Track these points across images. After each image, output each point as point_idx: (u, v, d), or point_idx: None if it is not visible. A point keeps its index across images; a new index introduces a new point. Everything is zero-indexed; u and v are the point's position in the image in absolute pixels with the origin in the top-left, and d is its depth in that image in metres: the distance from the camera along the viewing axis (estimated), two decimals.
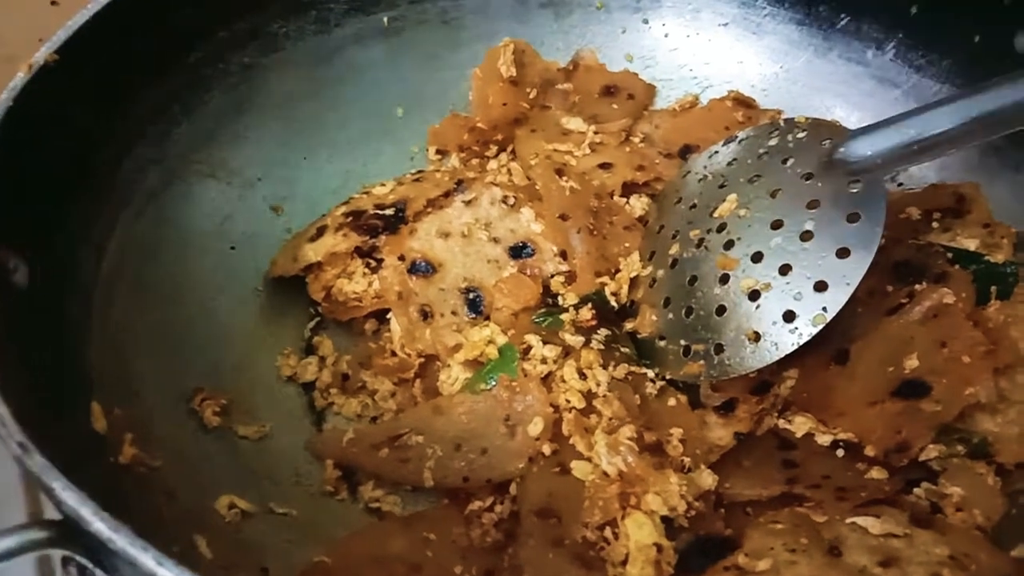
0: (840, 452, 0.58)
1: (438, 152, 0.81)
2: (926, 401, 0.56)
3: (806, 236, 0.58)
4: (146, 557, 0.34)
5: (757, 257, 0.60)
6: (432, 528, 0.56)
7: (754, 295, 0.59)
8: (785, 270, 0.58)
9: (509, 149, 0.78)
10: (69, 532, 0.37)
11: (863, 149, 0.58)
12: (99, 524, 0.35)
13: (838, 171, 0.59)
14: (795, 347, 0.58)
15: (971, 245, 0.65)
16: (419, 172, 0.77)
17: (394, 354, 0.67)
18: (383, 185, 0.74)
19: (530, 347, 0.61)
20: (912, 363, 0.58)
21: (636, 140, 0.77)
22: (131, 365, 0.58)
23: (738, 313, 0.59)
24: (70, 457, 0.41)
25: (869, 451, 0.56)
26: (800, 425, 0.60)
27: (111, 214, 0.62)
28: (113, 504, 0.39)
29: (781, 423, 0.61)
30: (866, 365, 0.60)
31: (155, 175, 0.66)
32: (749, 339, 0.59)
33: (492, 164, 0.77)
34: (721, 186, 0.64)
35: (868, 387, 0.59)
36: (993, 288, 0.60)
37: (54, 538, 0.37)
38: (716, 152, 0.67)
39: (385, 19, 0.80)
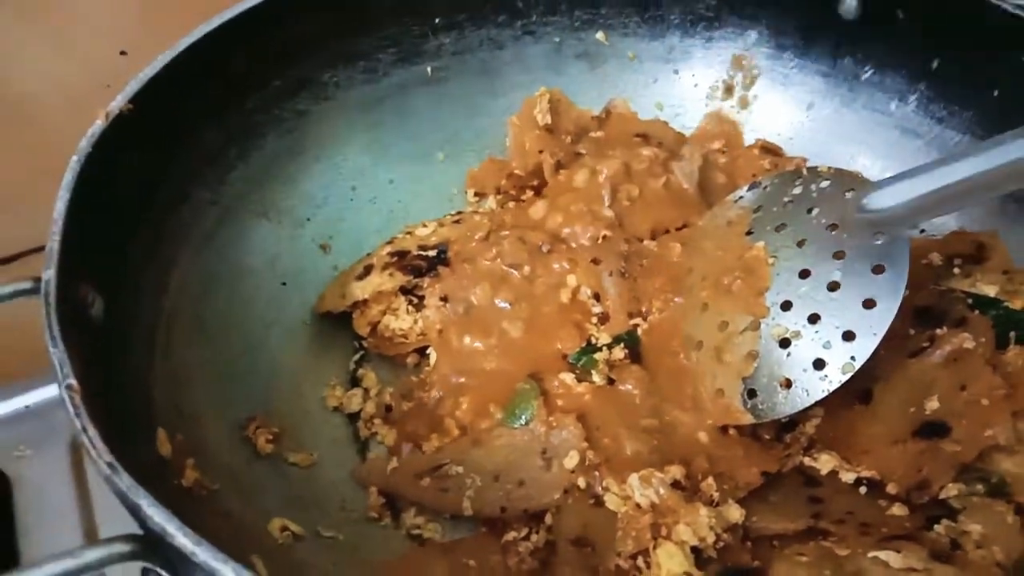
0: (863, 489, 0.60)
1: (476, 194, 0.85)
2: (947, 441, 0.58)
3: (833, 286, 0.61)
4: (226, 568, 0.37)
5: (786, 305, 0.62)
6: (471, 555, 0.59)
7: (784, 343, 0.62)
8: (814, 319, 0.61)
9: (544, 193, 0.82)
10: (151, 546, 0.40)
11: (886, 201, 0.60)
12: (183, 539, 0.39)
13: (862, 223, 0.61)
14: (825, 394, 0.60)
15: (991, 291, 0.67)
16: (459, 213, 0.81)
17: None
18: (425, 226, 0.78)
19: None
20: (933, 404, 0.60)
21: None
22: (190, 395, 0.61)
23: (770, 360, 0.62)
24: (144, 479, 0.45)
25: (891, 488, 0.59)
26: (825, 463, 0.62)
27: (172, 252, 0.66)
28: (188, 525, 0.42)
29: (807, 460, 0.63)
30: (888, 406, 0.62)
31: (212, 215, 0.70)
32: (781, 385, 0.61)
33: (533, 211, 0.80)
34: (748, 232, 0.67)
35: (890, 427, 0.61)
36: (1012, 333, 0.63)
37: (137, 551, 0.40)
38: (741, 197, 0.70)
39: (429, 69, 0.84)
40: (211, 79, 0.69)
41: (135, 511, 0.40)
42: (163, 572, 0.41)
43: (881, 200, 0.61)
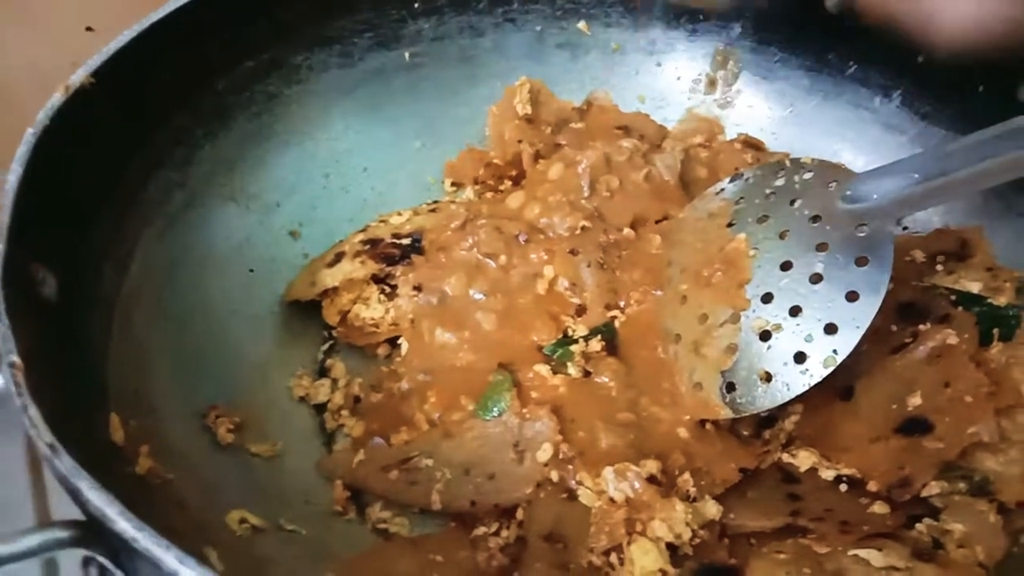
0: (843, 487, 0.59)
1: (453, 184, 0.83)
2: (929, 439, 0.57)
3: (816, 278, 0.60)
4: (168, 556, 0.35)
5: (767, 298, 0.61)
6: (439, 551, 0.57)
7: (765, 336, 0.60)
8: (795, 311, 0.60)
9: (522, 184, 0.80)
10: (92, 532, 0.38)
11: (870, 193, 0.59)
12: (124, 524, 0.36)
13: (846, 214, 0.60)
14: (806, 388, 0.58)
15: (974, 288, 0.66)
16: (435, 203, 0.79)
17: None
18: (400, 214, 0.76)
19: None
20: (916, 401, 0.59)
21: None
22: (149, 380, 0.59)
23: (750, 353, 0.60)
24: (91, 463, 0.42)
25: (872, 486, 0.57)
26: (804, 459, 0.60)
27: (134, 234, 0.63)
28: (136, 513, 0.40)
29: (785, 457, 0.61)
30: (871, 402, 0.61)
31: (178, 198, 0.68)
32: (761, 379, 0.60)
33: (511, 200, 0.79)
34: (730, 224, 0.66)
35: (872, 424, 0.60)
36: (996, 330, 0.61)
37: (77, 538, 0.38)
38: (723, 189, 0.69)
39: (407, 54, 0.82)
40: (179, 57, 0.67)
41: (75, 495, 0.38)
42: (106, 561, 0.38)
43: (865, 191, 0.59)
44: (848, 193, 0.60)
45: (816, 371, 0.58)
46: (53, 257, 0.53)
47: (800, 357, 0.58)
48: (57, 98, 0.56)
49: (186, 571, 0.35)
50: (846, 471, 0.59)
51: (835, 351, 0.57)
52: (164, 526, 0.49)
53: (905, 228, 0.77)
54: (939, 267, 0.70)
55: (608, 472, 0.55)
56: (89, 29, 0.73)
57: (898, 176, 0.59)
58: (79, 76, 0.58)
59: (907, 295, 0.66)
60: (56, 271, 0.53)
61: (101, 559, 0.38)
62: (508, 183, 0.81)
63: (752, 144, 0.82)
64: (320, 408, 0.68)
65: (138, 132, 0.64)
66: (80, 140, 0.58)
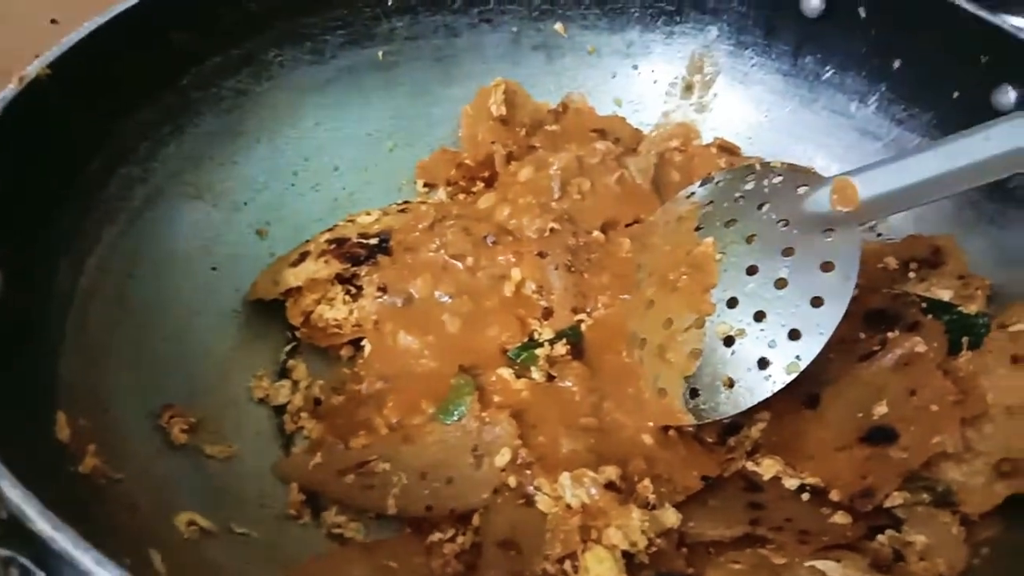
0: (806, 496, 0.58)
1: (426, 185, 0.82)
2: (893, 448, 0.56)
3: (780, 283, 0.59)
4: (86, 558, 0.34)
5: (732, 303, 0.60)
6: (393, 556, 0.56)
7: (729, 341, 0.59)
8: (760, 317, 0.59)
9: (495, 185, 0.79)
10: (13, 531, 0.37)
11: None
12: (42, 523, 0.35)
13: (813, 219, 0.59)
14: (769, 394, 0.58)
15: (945, 296, 0.66)
16: (405, 203, 0.78)
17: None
18: (368, 214, 0.75)
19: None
20: (881, 410, 0.58)
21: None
22: (103, 378, 0.58)
23: (713, 358, 0.60)
24: (29, 462, 0.41)
25: (834, 496, 0.56)
26: (768, 468, 0.60)
27: (95, 229, 0.62)
28: (69, 513, 0.39)
29: (750, 465, 0.61)
30: (836, 410, 0.60)
31: (141, 194, 0.67)
32: (724, 385, 0.59)
33: (482, 201, 0.78)
34: (698, 228, 0.65)
35: (837, 432, 0.59)
36: (965, 339, 0.61)
37: None
38: (693, 193, 0.68)
39: (380, 53, 0.81)
40: (144, 50, 0.66)
41: None
42: (27, 562, 0.37)
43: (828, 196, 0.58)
44: (816, 197, 0.60)
45: (779, 377, 0.57)
46: (3, 250, 0.52)
47: (763, 363, 0.58)
48: (10, 90, 0.56)
49: (103, 574, 0.34)
50: (810, 480, 0.59)
51: (798, 357, 0.57)
52: (107, 527, 0.48)
53: (879, 235, 0.76)
54: (911, 274, 0.69)
55: (565, 478, 0.54)
56: (54, 22, 0.72)
57: (866, 180, 0.58)
58: (35, 67, 0.57)
59: (877, 302, 0.65)
60: (5, 265, 0.52)
61: (23, 560, 0.37)
62: (480, 185, 0.80)
63: (727, 148, 0.81)
64: (280, 410, 0.67)
65: (99, 127, 0.63)
66: (36, 132, 0.57)
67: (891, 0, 0.74)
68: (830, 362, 0.62)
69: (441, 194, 0.81)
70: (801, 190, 0.61)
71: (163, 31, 0.67)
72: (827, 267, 0.58)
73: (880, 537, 0.55)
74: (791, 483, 0.59)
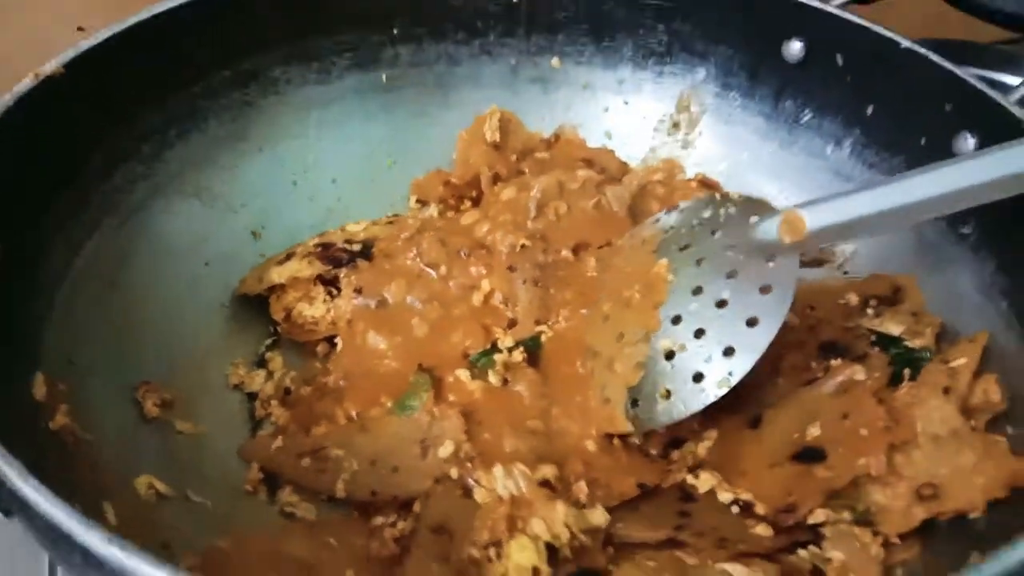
0: (735, 509, 0.60)
1: (418, 201, 0.86)
2: (820, 467, 0.58)
3: (721, 304, 0.62)
4: (27, 487, 0.38)
5: (676, 320, 0.63)
6: (334, 535, 0.59)
7: (670, 355, 0.62)
8: (700, 334, 0.62)
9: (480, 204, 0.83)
10: None
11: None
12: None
13: (758, 246, 0.62)
14: (702, 407, 0.61)
15: (896, 331, 0.68)
16: (394, 216, 0.82)
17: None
18: (358, 224, 0.80)
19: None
20: (815, 431, 0.60)
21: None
22: (85, 352, 0.62)
23: (655, 371, 0.63)
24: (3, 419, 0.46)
25: (759, 509, 0.58)
26: (704, 482, 0.61)
27: (94, 217, 0.67)
28: (29, 456, 0.43)
29: (689, 479, 0.63)
30: (774, 430, 0.62)
31: (142, 190, 0.72)
32: (662, 396, 0.62)
33: (465, 218, 0.82)
34: (656, 251, 0.68)
35: (772, 451, 0.61)
36: (907, 371, 0.63)
37: None
38: (658, 220, 0.71)
39: (384, 76, 0.86)
40: (157, 59, 0.72)
41: None
42: None
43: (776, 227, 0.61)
44: (763, 226, 0.63)
45: (711, 391, 0.60)
46: (4, 224, 0.58)
47: (698, 377, 0.60)
48: (26, 83, 0.61)
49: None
50: (743, 496, 0.60)
51: (731, 373, 0.59)
52: (68, 479, 0.52)
53: (846, 272, 0.78)
54: (869, 310, 0.71)
55: (497, 469, 0.57)
56: (80, 29, 0.78)
57: (814, 213, 0.61)
58: (50, 66, 0.63)
59: (830, 334, 0.68)
60: (3, 238, 0.57)
61: None
62: (468, 204, 0.84)
63: (707, 184, 0.84)
64: (252, 396, 0.71)
65: (108, 124, 0.69)
66: (45, 124, 0.63)
67: (866, 48, 0.77)
68: (776, 386, 0.65)
69: (432, 211, 0.85)
70: (753, 219, 0.64)
71: (178, 42, 0.73)
72: (766, 289, 0.60)
73: (802, 552, 0.57)
74: (725, 496, 0.60)
